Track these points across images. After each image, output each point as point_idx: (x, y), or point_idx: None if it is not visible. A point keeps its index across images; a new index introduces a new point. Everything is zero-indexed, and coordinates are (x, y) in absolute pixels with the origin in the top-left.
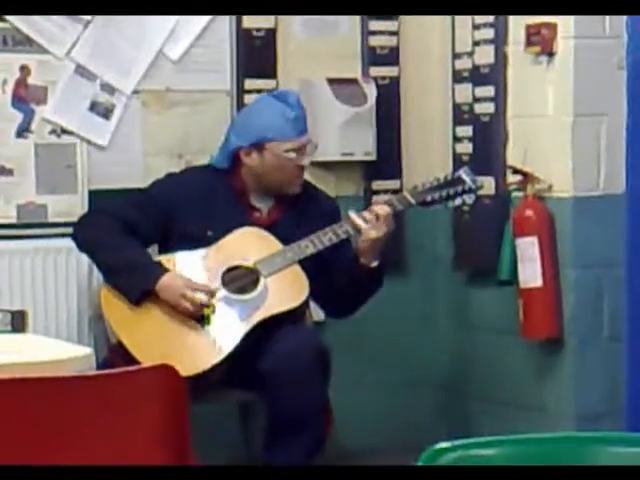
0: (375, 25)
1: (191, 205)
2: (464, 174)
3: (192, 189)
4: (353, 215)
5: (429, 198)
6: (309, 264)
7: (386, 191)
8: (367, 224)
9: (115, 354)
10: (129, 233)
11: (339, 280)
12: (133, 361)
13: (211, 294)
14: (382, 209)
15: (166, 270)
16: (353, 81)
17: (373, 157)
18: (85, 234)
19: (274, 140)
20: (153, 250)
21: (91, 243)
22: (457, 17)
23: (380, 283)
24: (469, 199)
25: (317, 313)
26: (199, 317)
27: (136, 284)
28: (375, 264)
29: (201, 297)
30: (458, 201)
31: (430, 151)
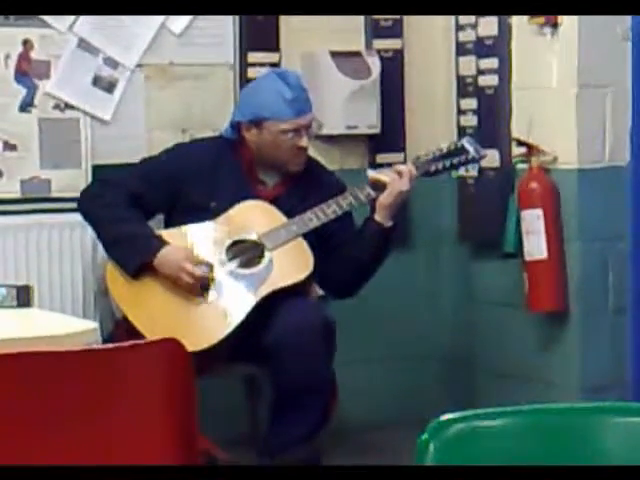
0: None
1: (197, 175)
2: (467, 143)
3: (199, 159)
4: (373, 172)
5: (432, 168)
6: (313, 245)
7: (390, 164)
8: (390, 178)
9: (121, 329)
10: (133, 204)
11: (347, 251)
12: (138, 336)
13: (210, 267)
14: (405, 166)
15: (165, 243)
16: (357, 54)
17: (377, 130)
18: (90, 205)
19: (271, 119)
20: (159, 222)
21: (95, 215)
22: None
23: (389, 247)
24: (472, 168)
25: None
26: (199, 290)
27: (134, 256)
28: (389, 224)
29: (202, 270)
30: (461, 170)
31: (434, 124)
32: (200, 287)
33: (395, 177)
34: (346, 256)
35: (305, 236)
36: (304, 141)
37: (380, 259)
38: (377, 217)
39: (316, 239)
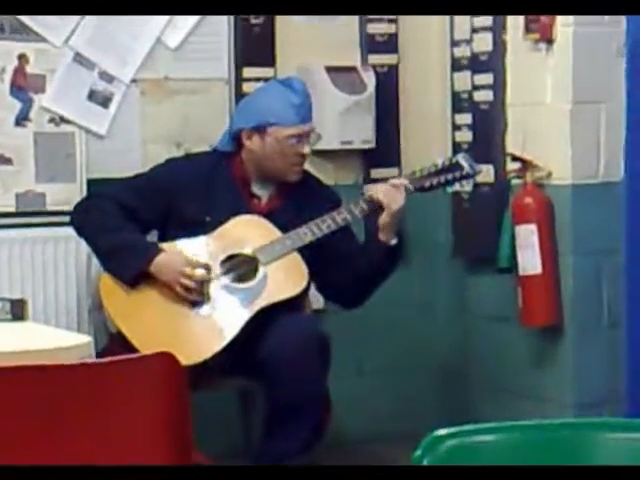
0: None
1: (190, 190)
2: (462, 159)
3: (192, 174)
4: (371, 191)
5: (427, 184)
6: (315, 258)
7: (385, 179)
8: (387, 197)
9: (115, 343)
10: (127, 217)
11: (352, 267)
12: (133, 350)
13: (208, 269)
14: (396, 180)
15: (161, 250)
16: (352, 69)
17: (372, 145)
18: (83, 218)
19: (276, 125)
20: (153, 238)
21: (88, 227)
22: None
23: (397, 263)
24: (467, 184)
25: (317, 301)
26: (197, 298)
27: (130, 265)
28: (394, 242)
29: (201, 272)
30: (456, 186)
31: (429, 139)
32: (198, 295)
33: (390, 197)
34: (355, 271)
35: (302, 250)
36: (306, 148)
37: (390, 272)
38: (381, 237)
39: (317, 252)
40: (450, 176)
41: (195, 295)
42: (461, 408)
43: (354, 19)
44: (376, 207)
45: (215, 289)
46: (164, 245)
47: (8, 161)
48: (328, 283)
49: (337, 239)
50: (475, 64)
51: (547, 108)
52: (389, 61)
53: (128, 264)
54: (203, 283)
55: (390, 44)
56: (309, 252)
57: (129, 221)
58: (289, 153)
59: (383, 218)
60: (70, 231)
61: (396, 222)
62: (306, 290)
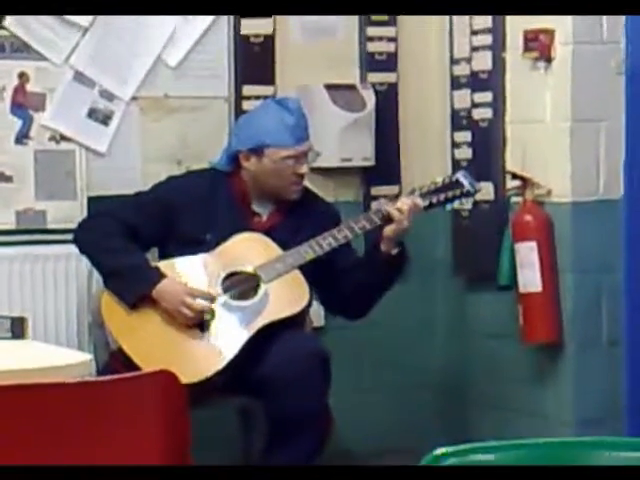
0: (373, 31)
1: (191, 208)
2: (462, 177)
3: (193, 192)
4: (387, 206)
5: (427, 202)
6: (315, 273)
7: (385, 196)
8: (402, 214)
9: (115, 360)
10: (130, 237)
11: (355, 279)
12: (133, 367)
13: (211, 300)
14: (418, 200)
15: (164, 276)
16: (351, 87)
17: (372, 163)
18: (86, 237)
19: (272, 146)
20: (153, 254)
21: (91, 246)
22: (455, 23)
23: (400, 271)
24: (467, 202)
25: (317, 318)
26: (199, 323)
27: (133, 288)
28: (396, 251)
29: (202, 303)
30: (456, 204)
31: (429, 156)
32: (199, 320)
33: (404, 215)
34: (358, 282)
35: (303, 266)
36: (304, 168)
37: (393, 281)
38: (383, 247)
39: (317, 268)
40: (450, 194)
41: (193, 324)
42: (461, 425)
43: (353, 37)
44: (379, 224)
45: (216, 307)
46: (166, 263)
47: (8, 179)
48: (331, 297)
49: (337, 255)
50: (475, 82)
51: (546, 126)
52: (389, 79)
53: (130, 288)
54: (203, 312)
55: (390, 62)
56: (310, 267)
57: (132, 241)
58: (287, 173)
59: (391, 229)
60: (71, 249)
61: (400, 236)
62: (307, 308)
